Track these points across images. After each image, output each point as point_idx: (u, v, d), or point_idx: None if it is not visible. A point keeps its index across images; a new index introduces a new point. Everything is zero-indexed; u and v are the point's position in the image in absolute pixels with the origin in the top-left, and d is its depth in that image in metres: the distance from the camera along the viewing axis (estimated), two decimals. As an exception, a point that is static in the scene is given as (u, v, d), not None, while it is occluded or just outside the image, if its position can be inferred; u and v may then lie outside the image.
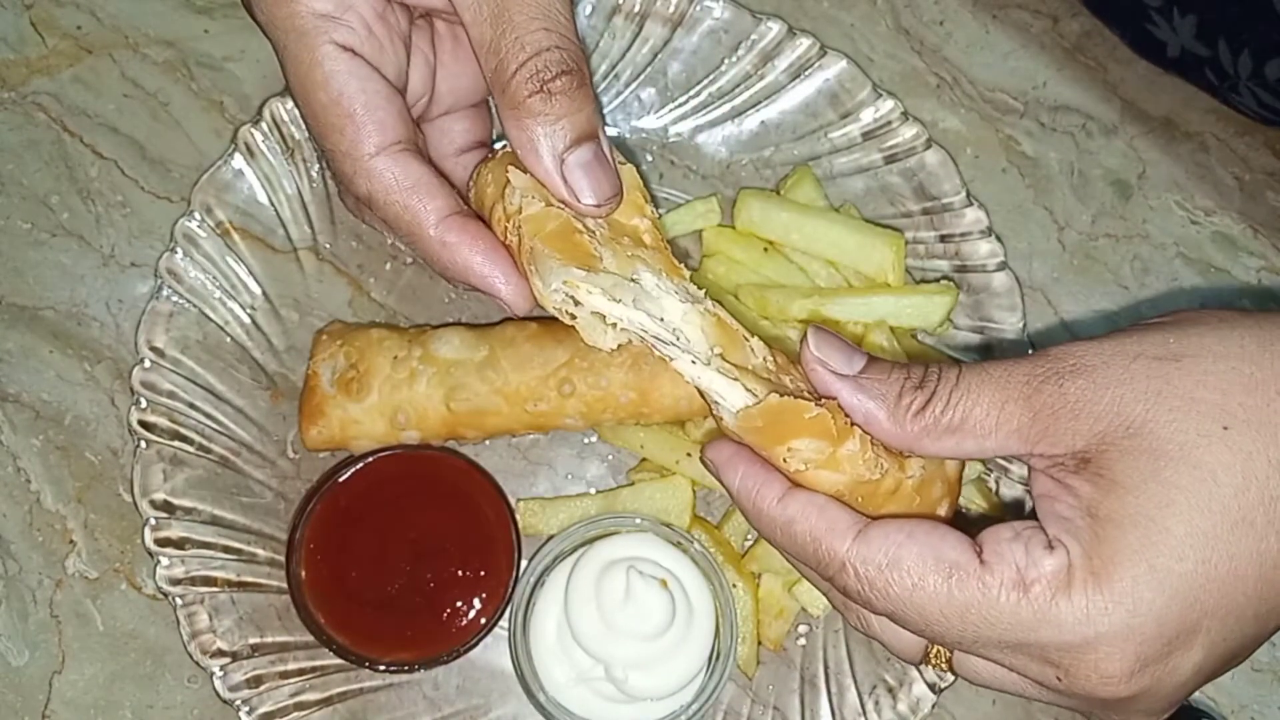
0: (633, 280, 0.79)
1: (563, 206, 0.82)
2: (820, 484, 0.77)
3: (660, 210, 1.22)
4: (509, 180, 0.83)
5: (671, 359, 0.79)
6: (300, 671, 1.10)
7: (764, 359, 0.81)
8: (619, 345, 0.79)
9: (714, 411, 0.80)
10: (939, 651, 0.80)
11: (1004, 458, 1.08)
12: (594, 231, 0.82)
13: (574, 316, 0.79)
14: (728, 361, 0.78)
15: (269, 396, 1.16)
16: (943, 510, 0.82)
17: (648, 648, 1.06)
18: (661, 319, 0.79)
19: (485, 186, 0.86)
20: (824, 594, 0.84)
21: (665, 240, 0.85)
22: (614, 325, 0.79)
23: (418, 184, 0.83)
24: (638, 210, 0.86)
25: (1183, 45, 1.13)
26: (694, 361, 0.78)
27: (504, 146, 0.87)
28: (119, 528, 1.15)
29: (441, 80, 0.94)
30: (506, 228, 0.82)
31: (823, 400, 0.77)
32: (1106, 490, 0.71)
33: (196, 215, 1.15)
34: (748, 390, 0.77)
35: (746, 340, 0.81)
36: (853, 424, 0.77)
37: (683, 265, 0.83)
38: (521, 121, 0.81)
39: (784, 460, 0.77)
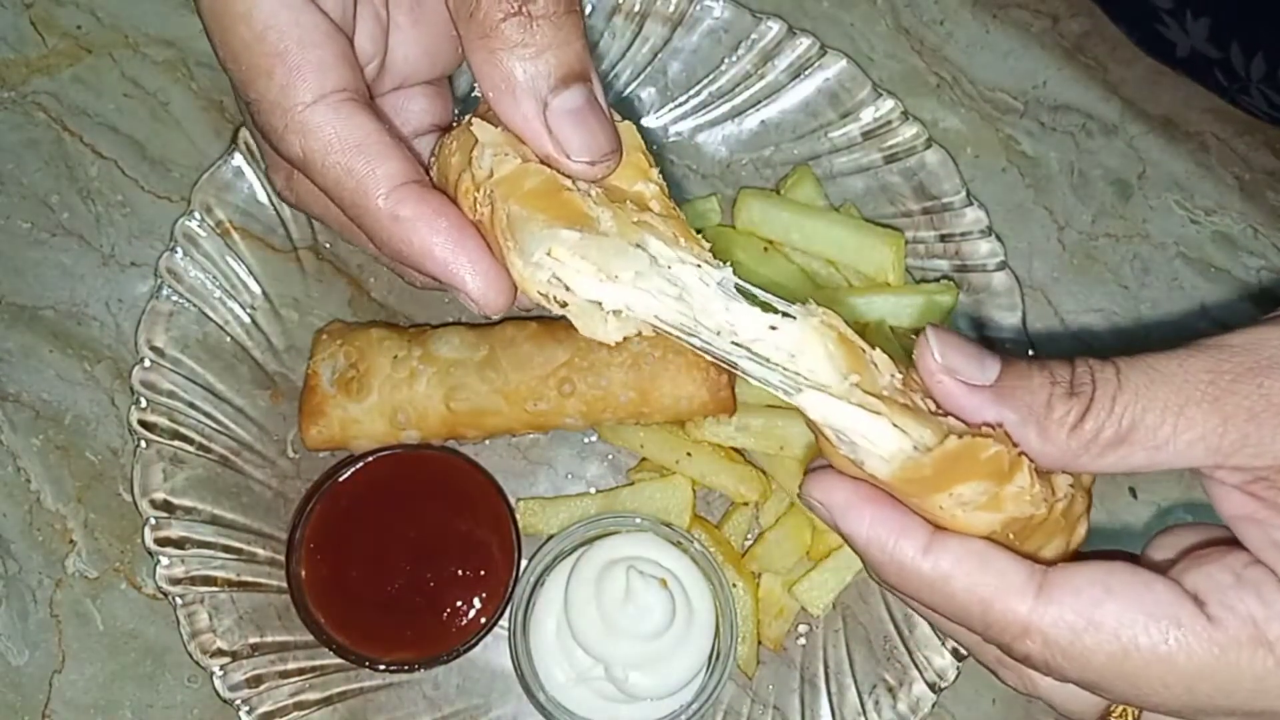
0: (639, 247, 0.63)
1: (546, 166, 0.66)
2: (973, 526, 0.63)
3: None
4: (476, 139, 0.66)
5: (790, 394, 0.62)
6: (300, 671, 1.10)
7: (891, 377, 0.64)
8: (626, 338, 0.64)
9: (839, 451, 0.64)
10: (1125, 711, 0.69)
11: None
12: (588, 192, 0.65)
13: (565, 304, 0.63)
14: (868, 392, 0.62)
15: (269, 396, 1.16)
16: (1083, 528, 0.70)
17: (648, 647, 1.06)
18: (680, 298, 0.63)
19: (449, 157, 0.69)
20: (969, 650, 0.71)
21: (677, 208, 0.69)
22: (616, 313, 0.63)
23: (365, 142, 0.66)
24: (641, 174, 0.69)
25: (1193, 46, 1.13)
26: (820, 393, 0.62)
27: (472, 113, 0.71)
28: (119, 527, 1.15)
29: (396, 45, 0.77)
30: (476, 199, 0.65)
31: (983, 428, 0.63)
32: None
33: (196, 215, 1.15)
34: (897, 428, 0.61)
35: (865, 353, 0.64)
36: (1021, 453, 0.63)
37: (701, 238, 0.67)
38: (494, 54, 0.64)
39: (939, 507, 0.63)
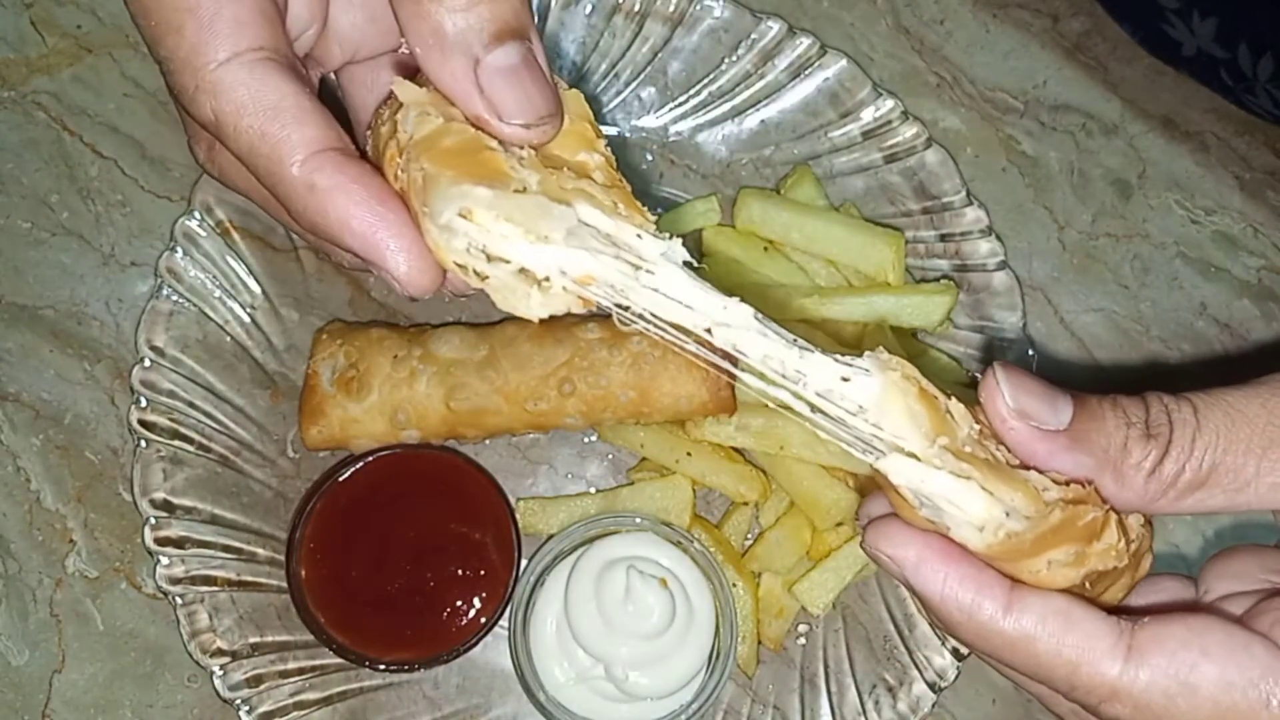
0: (568, 207, 0.57)
1: (475, 127, 0.61)
2: (1054, 582, 0.61)
3: (659, 210, 1.21)
4: (400, 102, 0.61)
5: (874, 457, 0.58)
6: (300, 671, 1.10)
7: (969, 429, 0.60)
8: (551, 315, 0.57)
9: (919, 513, 0.60)
10: None
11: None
12: (520, 157, 0.60)
13: (485, 277, 0.57)
14: (957, 455, 0.58)
15: (269, 396, 1.16)
16: (1147, 562, 0.67)
17: (648, 647, 1.06)
18: (618, 256, 0.57)
19: (380, 126, 0.64)
20: (1041, 701, 0.68)
21: (624, 180, 0.63)
22: (542, 282, 0.57)
23: (280, 105, 0.60)
24: (586, 144, 0.63)
25: (1199, 46, 1.13)
26: (905, 457, 0.58)
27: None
28: (119, 527, 1.15)
29: (341, 12, 0.71)
30: (399, 165, 0.60)
31: (1069, 482, 0.60)
32: None
33: (196, 214, 1.15)
34: (987, 492, 0.57)
35: (941, 402, 0.60)
36: (1109, 509, 0.61)
37: (646, 210, 0.61)
38: (421, 6, 0.59)
39: (1026, 571, 0.61)
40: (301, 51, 0.70)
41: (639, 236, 0.58)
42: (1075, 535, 0.60)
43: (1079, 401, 0.62)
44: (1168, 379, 1.22)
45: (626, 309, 0.58)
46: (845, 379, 0.58)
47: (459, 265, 0.56)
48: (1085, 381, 1.21)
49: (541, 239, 0.55)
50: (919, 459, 0.58)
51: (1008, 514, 0.58)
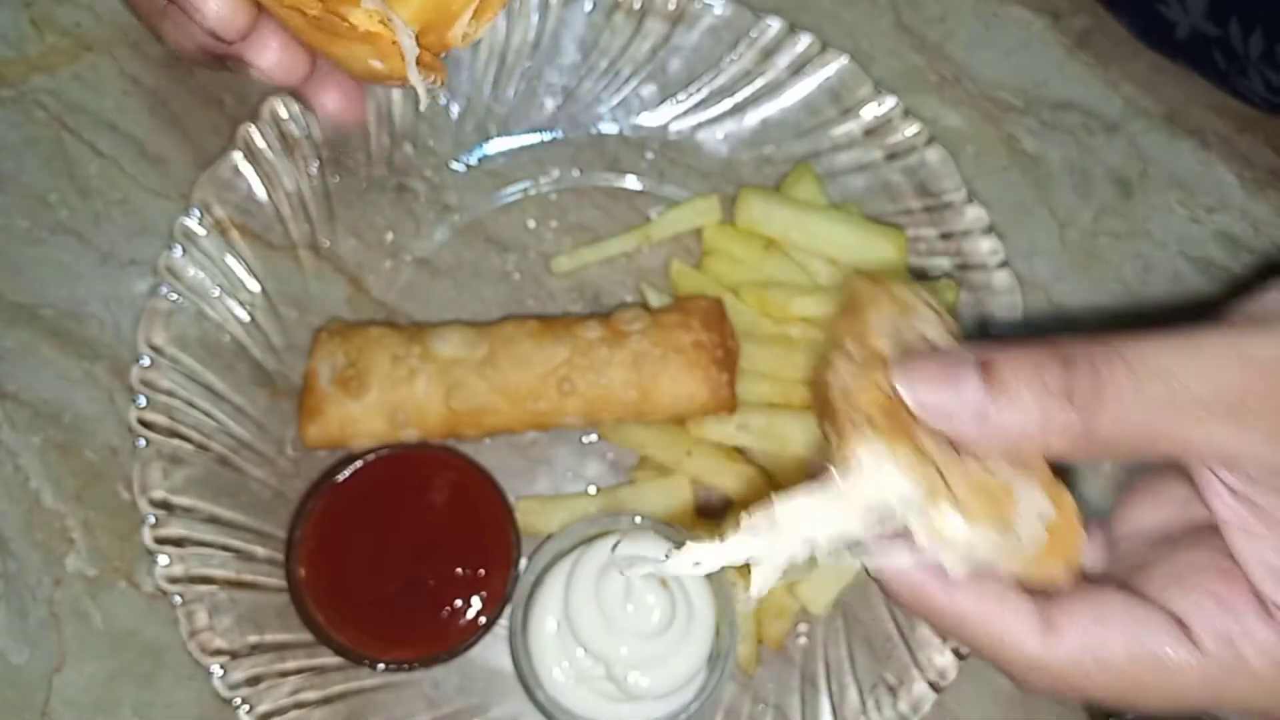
0: None
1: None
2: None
3: (659, 209, 1.21)
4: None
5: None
6: (299, 670, 1.10)
7: (1039, 514, 0.60)
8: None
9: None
10: None
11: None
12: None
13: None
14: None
15: (268, 394, 1.15)
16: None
17: (648, 646, 1.05)
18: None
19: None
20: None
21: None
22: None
23: None
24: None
25: (1192, 25, 1.13)
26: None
27: None
28: (118, 526, 1.15)
29: None
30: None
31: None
32: None
33: (196, 212, 1.15)
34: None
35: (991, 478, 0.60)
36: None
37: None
38: None
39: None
40: None
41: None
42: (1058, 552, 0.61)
43: (990, 373, 0.61)
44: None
45: None
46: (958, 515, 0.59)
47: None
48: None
49: None
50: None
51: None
